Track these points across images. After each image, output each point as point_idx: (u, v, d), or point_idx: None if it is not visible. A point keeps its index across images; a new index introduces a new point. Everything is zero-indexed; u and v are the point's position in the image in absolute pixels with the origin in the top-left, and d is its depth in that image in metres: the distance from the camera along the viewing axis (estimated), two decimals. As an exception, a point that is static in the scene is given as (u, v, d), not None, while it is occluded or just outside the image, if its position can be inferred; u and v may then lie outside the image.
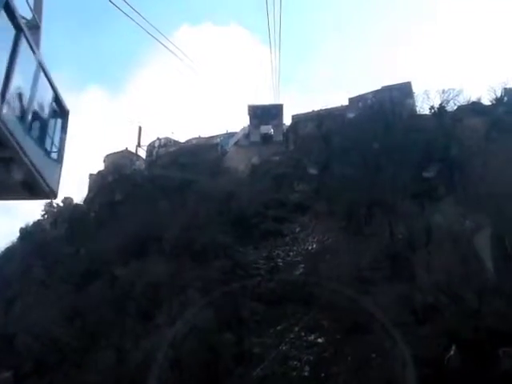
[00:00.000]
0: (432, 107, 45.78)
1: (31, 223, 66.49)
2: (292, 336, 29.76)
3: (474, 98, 46.87)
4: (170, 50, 14.54)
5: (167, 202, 44.66)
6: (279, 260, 36.19)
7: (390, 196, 35.92)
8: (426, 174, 38.69)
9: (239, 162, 52.64)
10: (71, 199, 71.24)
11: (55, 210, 69.55)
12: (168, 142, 65.02)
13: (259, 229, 39.39)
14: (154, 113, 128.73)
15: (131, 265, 35.14)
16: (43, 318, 33.30)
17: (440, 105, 45.78)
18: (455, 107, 46.42)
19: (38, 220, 68.23)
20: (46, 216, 68.88)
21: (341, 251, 33.46)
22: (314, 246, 36.95)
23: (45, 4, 7.93)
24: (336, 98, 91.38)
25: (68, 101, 8.33)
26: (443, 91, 45.98)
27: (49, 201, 69.47)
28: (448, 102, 45.81)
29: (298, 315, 30.73)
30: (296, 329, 30.05)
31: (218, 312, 30.46)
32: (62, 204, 70.52)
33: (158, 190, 48.94)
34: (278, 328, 30.60)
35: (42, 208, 68.64)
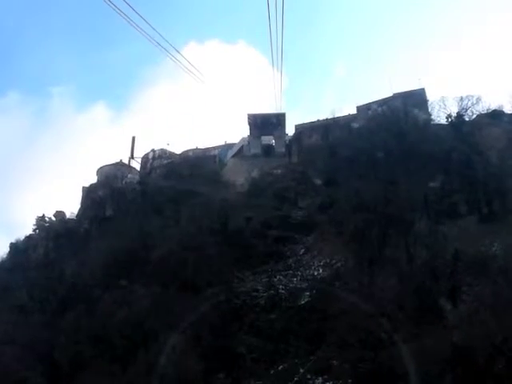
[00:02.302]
0: (449, 115, 42.67)
1: (22, 238, 64.05)
2: (296, 378, 25.55)
3: (494, 106, 44.29)
4: (177, 60, 14.14)
5: (158, 219, 41.00)
6: (281, 287, 32.17)
7: (406, 214, 32.09)
8: (432, 184, 35.59)
9: (238, 175, 49.29)
10: (63, 213, 68.17)
11: (47, 224, 66.65)
12: (163, 154, 62.02)
13: (259, 250, 35.83)
14: (152, 124, 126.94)
15: (113, 293, 31.19)
16: (13, 353, 29.30)
17: (457, 113, 42.67)
18: (474, 116, 43.44)
19: (30, 235, 65.57)
20: (37, 231, 65.96)
21: (352, 277, 29.48)
22: (321, 270, 33.12)
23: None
24: (344, 108, 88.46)
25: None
26: (461, 99, 42.94)
27: (41, 215, 67.51)
28: (466, 110, 42.68)
29: (303, 353, 26.66)
30: (301, 370, 25.84)
31: (209, 349, 26.44)
32: (54, 218, 67.67)
33: (150, 205, 45.53)
34: (280, 368, 26.54)
35: (34, 222, 66.31)
